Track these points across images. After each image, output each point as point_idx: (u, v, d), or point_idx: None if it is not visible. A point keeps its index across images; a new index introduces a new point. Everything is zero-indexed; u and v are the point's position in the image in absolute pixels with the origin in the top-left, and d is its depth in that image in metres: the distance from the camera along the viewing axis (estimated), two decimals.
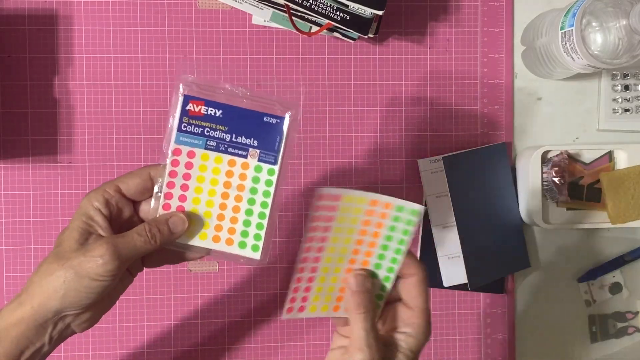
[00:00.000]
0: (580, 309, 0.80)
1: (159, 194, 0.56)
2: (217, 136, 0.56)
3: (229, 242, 0.57)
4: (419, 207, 0.53)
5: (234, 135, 0.56)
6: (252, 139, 0.57)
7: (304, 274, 0.55)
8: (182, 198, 0.57)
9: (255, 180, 0.57)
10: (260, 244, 0.58)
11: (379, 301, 0.56)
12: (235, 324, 0.76)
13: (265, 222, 0.57)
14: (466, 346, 0.79)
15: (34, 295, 0.52)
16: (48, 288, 0.52)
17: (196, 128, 0.56)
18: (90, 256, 0.51)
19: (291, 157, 0.71)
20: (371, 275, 0.55)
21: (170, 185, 0.56)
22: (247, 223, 0.57)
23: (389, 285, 0.55)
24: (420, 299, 0.54)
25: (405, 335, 0.54)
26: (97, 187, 0.55)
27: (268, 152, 0.57)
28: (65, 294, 0.51)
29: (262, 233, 0.57)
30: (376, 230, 0.54)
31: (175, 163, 0.56)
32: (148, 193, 0.56)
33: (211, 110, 0.56)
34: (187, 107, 0.56)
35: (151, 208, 0.56)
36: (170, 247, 0.56)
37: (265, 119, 0.56)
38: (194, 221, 0.57)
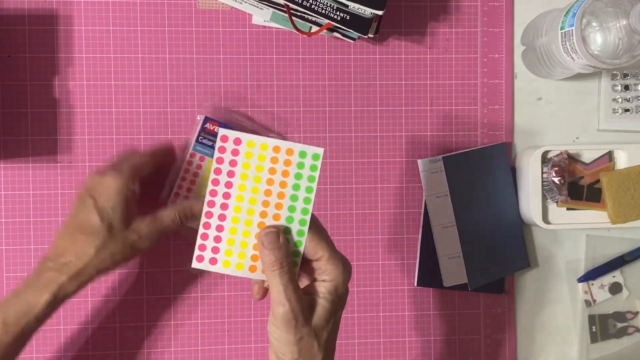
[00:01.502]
0: (580, 309, 0.80)
1: (170, 188, 0.72)
2: None
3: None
4: (320, 150, 0.55)
5: None
6: None
7: (212, 220, 0.56)
8: (189, 190, 0.72)
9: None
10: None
11: (296, 258, 0.56)
12: (235, 324, 0.76)
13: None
14: (466, 346, 0.79)
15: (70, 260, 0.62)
16: (96, 256, 0.63)
17: (209, 141, 0.73)
18: (139, 236, 0.64)
19: None
20: (285, 231, 0.55)
21: (183, 179, 0.72)
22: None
23: (303, 239, 0.56)
24: (323, 249, 0.55)
25: (324, 282, 0.56)
26: (118, 166, 0.65)
27: None
28: (108, 261, 0.63)
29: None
30: (283, 179, 0.55)
31: (189, 163, 0.72)
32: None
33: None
34: (205, 125, 0.73)
35: (162, 196, 0.72)
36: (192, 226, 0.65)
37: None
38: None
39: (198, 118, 0.74)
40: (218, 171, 0.55)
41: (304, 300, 0.55)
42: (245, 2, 0.74)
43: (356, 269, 0.78)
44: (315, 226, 0.57)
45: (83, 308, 0.74)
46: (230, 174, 0.55)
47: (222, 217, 0.56)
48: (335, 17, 0.69)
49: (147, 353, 0.75)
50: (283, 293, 0.53)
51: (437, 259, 0.78)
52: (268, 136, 0.56)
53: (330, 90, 0.77)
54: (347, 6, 0.68)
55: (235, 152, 0.55)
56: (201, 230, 0.56)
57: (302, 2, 0.68)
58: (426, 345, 0.79)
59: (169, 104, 0.75)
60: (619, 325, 0.81)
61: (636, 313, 0.81)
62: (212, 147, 0.73)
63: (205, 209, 0.55)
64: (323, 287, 0.56)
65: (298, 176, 0.55)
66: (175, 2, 0.75)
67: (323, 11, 0.68)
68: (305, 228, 0.56)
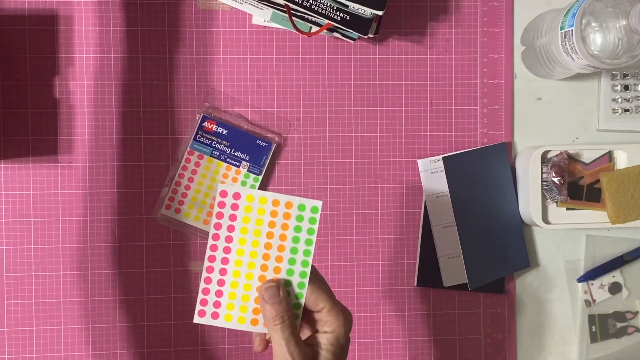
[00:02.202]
0: (580, 308, 0.80)
1: (168, 184, 0.74)
2: (220, 148, 0.75)
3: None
4: (318, 203, 0.56)
5: (233, 150, 0.75)
6: (245, 155, 0.75)
7: (213, 275, 0.56)
8: (187, 187, 0.75)
9: (243, 184, 0.75)
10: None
11: (297, 310, 0.56)
12: None
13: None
14: (466, 346, 0.79)
15: None
16: None
17: (207, 140, 0.75)
18: None
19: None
20: (285, 284, 0.56)
21: (181, 176, 0.74)
22: None
23: (304, 291, 0.56)
24: (323, 301, 0.55)
25: (325, 333, 0.55)
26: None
27: (255, 165, 0.76)
28: None
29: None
30: (282, 232, 0.56)
31: (187, 160, 0.74)
32: None
33: (220, 129, 0.75)
34: (203, 124, 0.74)
35: (161, 196, 0.75)
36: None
37: (257, 141, 0.75)
38: (192, 206, 0.74)
39: (197, 117, 0.74)
40: (218, 226, 0.55)
41: (307, 353, 0.54)
42: (245, 2, 0.74)
43: (356, 269, 0.78)
44: (316, 277, 0.57)
45: (83, 308, 0.74)
46: (230, 228, 0.55)
47: (223, 272, 0.56)
48: (335, 17, 0.69)
49: (147, 353, 0.75)
50: (285, 347, 0.54)
51: (437, 259, 0.78)
52: (266, 189, 0.57)
53: (330, 90, 0.77)
54: (347, 6, 0.68)
55: (234, 207, 0.55)
56: (202, 285, 0.56)
57: (302, 2, 0.68)
58: (426, 345, 0.79)
59: (169, 104, 0.75)
60: (619, 325, 0.81)
61: (636, 313, 0.81)
62: (210, 145, 0.75)
63: (206, 264, 0.56)
64: (325, 339, 0.55)
65: (297, 229, 0.56)
66: (175, 2, 0.75)
67: (323, 11, 0.68)
68: (306, 280, 0.56)
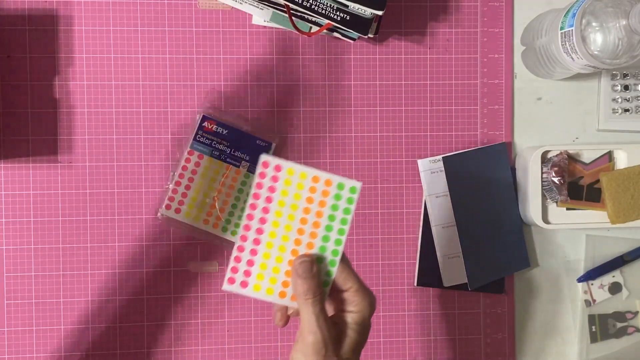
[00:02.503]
0: (580, 308, 0.80)
1: (169, 183, 0.74)
2: (220, 148, 0.75)
3: (215, 225, 0.75)
4: (358, 184, 0.55)
5: (233, 150, 0.75)
6: (245, 155, 0.75)
7: (247, 244, 0.56)
8: (187, 187, 0.74)
9: (243, 184, 0.75)
10: (238, 230, 0.63)
11: (326, 287, 0.56)
12: (235, 323, 0.76)
13: (245, 215, 0.64)
14: (466, 346, 0.79)
15: None
16: None
17: (207, 140, 0.75)
18: None
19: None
20: (317, 260, 0.56)
21: (181, 176, 0.74)
22: (231, 214, 0.75)
23: (334, 269, 0.56)
24: (351, 281, 0.56)
25: (352, 312, 0.56)
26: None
27: (255, 165, 0.67)
28: None
29: (242, 223, 0.63)
30: (319, 209, 0.56)
31: (187, 160, 0.74)
32: None
33: (220, 129, 0.75)
34: (203, 124, 0.74)
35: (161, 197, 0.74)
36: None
37: (257, 142, 0.75)
38: (192, 206, 0.74)
39: (197, 117, 0.74)
40: (257, 196, 0.55)
41: (333, 330, 0.55)
42: (245, 2, 0.74)
43: (356, 269, 0.77)
44: (346, 258, 0.58)
45: (83, 308, 0.74)
46: (268, 199, 0.55)
47: (256, 242, 0.56)
48: (335, 17, 0.69)
49: (147, 353, 0.75)
50: (315, 322, 0.54)
51: (437, 259, 0.78)
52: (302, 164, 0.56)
53: (330, 90, 0.77)
54: (347, 6, 0.68)
55: (274, 179, 0.55)
56: (235, 253, 0.56)
57: (302, 2, 0.68)
58: (426, 345, 0.79)
59: (169, 104, 0.75)
60: (619, 325, 0.81)
61: (636, 313, 0.81)
62: (210, 145, 0.75)
63: (241, 232, 0.56)
64: (350, 318, 0.56)
65: (334, 207, 0.56)
66: (175, 2, 0.75)
67: (323, 11, 0.68)
68: (338, 259, 0.56)
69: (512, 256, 0.78)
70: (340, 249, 0.56)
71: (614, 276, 0.81)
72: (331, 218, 0.56)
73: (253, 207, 0.55)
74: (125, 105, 0.75)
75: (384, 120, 0.78)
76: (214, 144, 0.75)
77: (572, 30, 0.67)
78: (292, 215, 0.56)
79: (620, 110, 0.79)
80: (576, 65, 0.70)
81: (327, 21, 0.70)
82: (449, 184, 0.76)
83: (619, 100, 0.79)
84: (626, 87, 0.79)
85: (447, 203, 0.77)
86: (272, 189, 0.55)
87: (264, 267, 0.56)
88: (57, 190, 0.74)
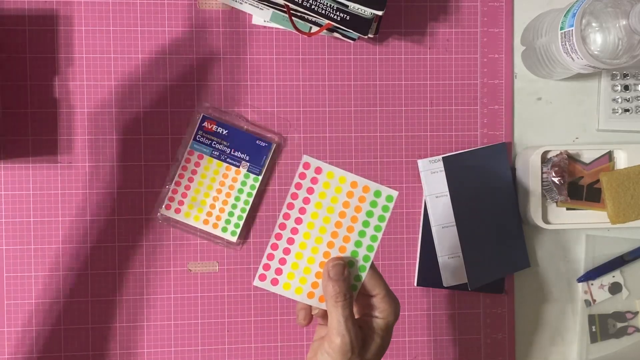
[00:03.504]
0: (580, 308, 0.80)
1: (169, 183, 0.74)
2: (220, 148, 0.75)
3: (215, 226, 0.75)
4: (394, 193, 0.57)
5: (233, 150, 0.75)
6: (245, 155, 0.75)
7: (281, 242, 0.57)
8: (187, 187, 0.75)
9: (243, 184, 0.75)
10: (238, 231, 0.75)
11: (354, 291, 0.57)
12: (235, 323, 0.76)
13: (245, 215, 0.75)
14: (466, 346, 0.79)
15: None
16: None
17: (207, 140, 0.75)
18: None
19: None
20: (348, 264, 0.57)
21: (181, 176, 0.75)
22: (231, 214, 0.75)
23: (364, 274, 0.57)
24: (379, 287, 0.57)
25: (377, 318, 0.57)
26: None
27: (255, 165, 0.76)
28: None
29: (241, 223, 0.75)
30: (355, 214, 0.57)
31: (187, 160, 0.75)
32: None
33: (220, 129, 0.75)
34: (203, 124, 0.74)
35: (161, 196, 0.75)
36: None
37: (257, 142, 0.75)
38: (192, 206, 0.74)
39: (197, 117, 0.74)
40: (295, 196, 0.56)
41: (359, 334, 0.56)
42: (245, 2, 0.74)
43: None
44: (374, 264, 0.58)
45: (83, 308, 0.74)
46: (306, 200, 0.57)
47: (290, 241, 0.57)
48: (335, 17, 0.69)
49: (147, 353, 0.75)
50: (344, 324, 0.55)
51: (437, 259, 0.78)
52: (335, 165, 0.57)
53: (330, 90, 0.77)
54: (347, 6, 0.68)
55: (314, 180, 0.56)
56: (268, 251, 0.57)
57: (302, 2, 0.68)
58: (426, 345, 0.79)
59: (169, 104, 0.75)
60: (619, 325, 0.81)
61: (636, 313, 0.81)
62: (210, 145, 0.75)
63: (276, 230, 0.57)
64: (376, 324, 0.57)
65: (369, 214, 0.57)
66: (175, 2, 0.75)
67: (323, 11, 0.68)
68: (368, 264, 0.57)
69: (512, 256, 0.78)
70: (372, 255, 0.57)
71: (614, 276, 0.81)
72: (365, 224, 0.57)
73: (290, 206, 0.56)
74: (125, 105, 0.75)
75: (384, 120, 0.78)
76: (214, 144, 0.75)
77: (572, 30, 0.67)
78: (328, 217, 0.57)
79: (620, 110, 0.79)
80: (576, 65, 0.70)
81: (327, 21, 0.70)
82: (449, 184, 0.76)
83: (619, 100, 0.79)
84: (626, 87, 0.79)
85: (447, 203, 0.77)
86: (310, 191, 0.56)
87: (295, 266, 0.57)
88: (57, 190, 0.74)
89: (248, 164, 0.75)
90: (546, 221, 0.77)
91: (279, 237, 0.57)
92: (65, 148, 0.74)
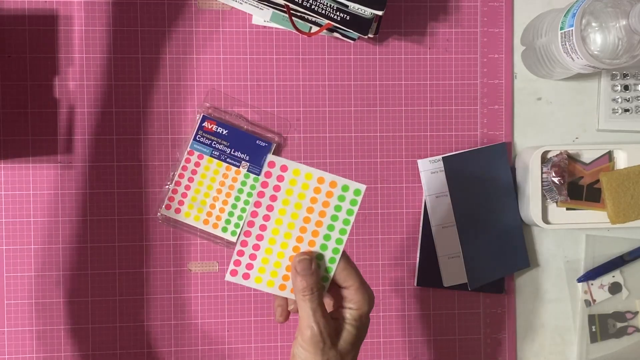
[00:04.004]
0: (580, 308, 0.80)
1: (169, 183, 0.75)
2: (220, 148, 0.75)
3: (215, 226, 0.75)
4: (362, 187, 0.58)
5: (233, 150, 0.75)
6: (245, 155, 0.75)
7: (250, 239, 0.58)
8: (187, 187, 0.75)
9: (243, 184, 0.75)
10: (238, 230, 0.75)
11: (325, 282, 0.58)
12: (235, 323, 0.76)
13: (245, 215, 0.73)
14: (466, 346, 0.79)
15: None
16: None
17: (207, 140, 0.75)
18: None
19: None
20: (317, 257, 0.58)
21: (181, 176, 0.75)
22: (231, 214, 0.75)
23: (333, 266, 0.58)
24: (352, 279, 0.58)
25: (351, 309, 0.58)
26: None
27: (255, 165, 0.76)
28: None
29: (242, 223, 0.75)
30: (323, 209, 0.58)
31: (187, 160, 0.75)
32: None
33: (220, 129, 0.75)
34: (203, 124, 0.74)
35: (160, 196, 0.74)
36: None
37: (257, 142, 0.75)
38: (192, 206, 0.75)
39: (197, 117, 0.74)
40: (261, 194, 0.58)
41: (331, 325, 0.57)
42: (245, 2, 0.74)
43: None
44: (347, 258, 0.59)
45: (83, 308, 0.74)
46: (273, 198, 0.58)
47: (259, 237, 0.58)
48: (335, 17, 0.69)
49: (147, 353, 0.75)
50: (312, 317, 0.56)
51: (437, 259, 0.78)
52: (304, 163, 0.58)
53: (330, 90, 0.77)
54: (347, 6, 0.68)
55: (280, 178, 0.57)
56: (238, 247, 0.58)
57: (302, 2, 0.68)
58: (426, 345, 0.79)
59: (169, 104, 0.75)
60: (619, 325, 0.81)
61: (636, 313, 0.81)
62: (210, 145, 0.75)
63: (245, 228, 0.58)
64: (349, 314, 0.58)
65: (337, 208, 0.58)
66: (175, 2, 0.75)
67: (323, 11, 0.68)
68: (338, 257, 0.58)
69: (512, 256, 0.78)
70: (341, 247, 0.58)
71: (614, 276, 0.81)
72: (334, 218, 0.58)
73: (257, 204, 0.57)
74: (125, 105, 0.75)
75: (384, 120, 0.78)
76: (214, 144, 0.75)
77: (572, 30, 0.67)
78: (296, 213, 0.58)
79: (620, 110, 0.79)
80: (576, 65, 0.70)
81: (327, 21, 0.70)
82: (449, 184, 0.76)
83: (619, 100, 0.79)
84: (626, 87, 0.79)
85: (447, 203, 0.77)
86: (277, 188, 0.58)
87: (265, 261, 0.59)
88: (57, 190, 0.74)
89: (248, 164, 0.75)
90: (546, 221, 0.77)
91: (247, 234, 0.58)
92: (65, 148, 0.74)
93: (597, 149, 0.79)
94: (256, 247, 0.58)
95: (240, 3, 0.74)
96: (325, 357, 0.56)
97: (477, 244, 0.76)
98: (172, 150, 0.75)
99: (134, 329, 0.75)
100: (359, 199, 0.58)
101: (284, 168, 0.57)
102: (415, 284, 0.78)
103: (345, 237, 0.58)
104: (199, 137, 0.75)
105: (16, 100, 0.74)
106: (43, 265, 0.74)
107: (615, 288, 0.81)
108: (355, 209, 0.58)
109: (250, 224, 0.58)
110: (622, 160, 0.78)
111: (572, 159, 0.78)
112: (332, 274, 0.58)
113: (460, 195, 0.76)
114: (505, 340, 0.79)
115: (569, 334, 0.81)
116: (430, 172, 0.78)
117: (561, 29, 0.69)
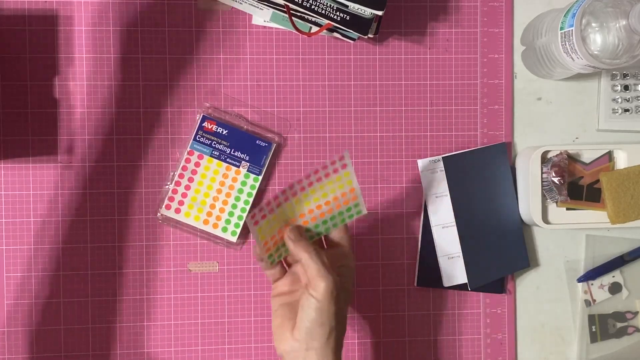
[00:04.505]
0: (580, 308, 0.80)
1: (169, 183, 0.75)
2: (220, 148, 0.75)
3: (215, 226, 0.75)
4: (365, 211, 0.67)
5: (233, 150, 0.76)
6: (245, 155, 0.75)
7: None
8: (187, 187, 0.75)
9: (243, 184, 0.75)
10: (238, 230, 0.76)
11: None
12: (235, 323, 0.76)
13: (245, 215, 0.76)
14: (466, 346, 0.79)
15: None
16: None
17: (207, 140, 0.75)
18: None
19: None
20: (306, 230, 0.67)
21: (181, 176, 0.75)
22: (231, 214, 0.75)
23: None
24: (346, 245, 0.68)
25: (343, 267, 0.67)
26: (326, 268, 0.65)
27: (255, 165, 0.76)
28: None
29: (242, 223, 0.75)
30: (335, 208, 0.66)
31: (187, 160, 0.75)
32: None
33: (220, 129, 0.75)
34: (203, 124, 0.74)
35: (160, 196, 0.76)
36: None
37: (257, 141, 0.75)
38: (192, 206, 0.75)
39: (197, 117, 0.74)
40: (308, 176, 0.64)
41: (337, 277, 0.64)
42: (245, 2, 0.74)
43: (356, 269, 0.78)
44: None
45: (83, 308, 0.74)
46: (310, 184, 0.64)
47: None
48: (335, 17, 0.69)
49: (147, 353, 0.75)
50: (323, 269, 0.62)
51: (437, 259, 0.78)
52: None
53: (330, 90, 0.77)
54: (347, 6, 0.68)
55: (334, 171, 0.64)
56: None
57: (302, 2, 0.68)
58: (426, 345, 0.79)
59: (169, 104, 0.75)
60: (619, 325, 0.81)
61: (636, 313, 0.81)
62: (210, 145, 0.75)
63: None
64: (344, 271, 0.67)
65: (341, 213, 0.67)
66: (175, 2, 0.75)
67: (323, 11, 0.68)
68: (322, 235, 0.69)
69: (512, 256, 0.78)
70: (326, 233, 0.68)
71: (614, 276, 0.81)
72: (337, 216, 0.67)
73: (300, 181, 0.64)
74: (125, 105, 0.75)
75: (384, 120, 0.78)
76: (214, 144, 0.75)
77: (572, 30, 0.67)
78: (317, 198, 0.65)
79: (620, 110, 0.79)
80: (576, 65, 0.70)
81: (327, 21, 0.70)
82: (449, 184, 0.76)
83: (619, 100, 0.79)
84: (626, 87, 0.79)
85: (447, 203, 0.77)
86: (326, 175, 0.64)
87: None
88: (57, 190, 0.74)
89: (248, 164, 0.75)
90: (546, 221, 0.77)
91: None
92: (65, 148, 0.74)
93: (597, 149, 0.79)
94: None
95: (240, 3, 0.74)
96: (338, 305, 0.63)
97: (477, 244, 0.76)
98: (172, 150, 0.75)
99: (134, 328, 0.75)
100: (358, 216, 0.67)
101: (343, 166, 0.64)
102: (415, 284, 0.78)
103: (332, 229, 0.68)
104: (199, 137, 0.75)
105: (16, 100, 0.74)
106: (43, 265, 0.74)
107: (615, 288, 0.81)
108: (351, 220, 0.68)
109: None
110: (622, 160, 0.78)
111: (572, 159, 0.78)
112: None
113: (460, 195, 0.76)
114: (505, 340, 0.79)
115: (569, 334, 0.81)
116: (430, 172, 0.78)
117: (561, 29, 0.69)
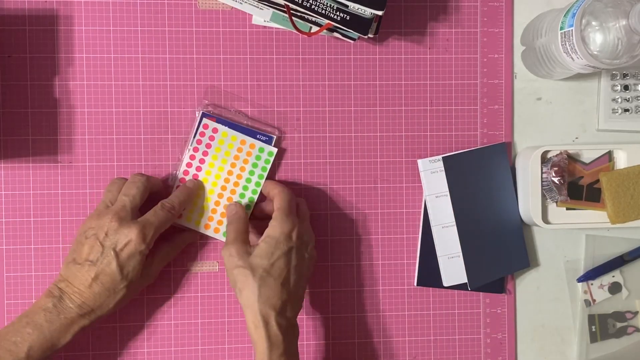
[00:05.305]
0: (579, 308, 0.80)
1: (177, 172, 0.75)
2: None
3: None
4: (274, 149, 0.74)
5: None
6: None
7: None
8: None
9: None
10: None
11: (248, 210, 0.75)
12: (235, 323, 0.76)
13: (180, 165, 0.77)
14: (466, 346, 0.79)
15: None
16: None
17: (209, 138, 0.75)
18: (152, 277, 0.73)
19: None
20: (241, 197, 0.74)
21: (185, 173, 0.75)
22: None
23: (250, 210, 0.75)
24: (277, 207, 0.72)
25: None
26: (123, 210, 0.69)
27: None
28: (123, 304, 0.71)
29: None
30: (243, 165, 0.74)
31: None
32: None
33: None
34: (203, 122, 0.74)
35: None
36: (176, 224, 0.74)
37: (257, 136, 0.75)
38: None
39: (197, 115, 0.74)
40: (196, 150, 0.73)
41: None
42: (245, 2, 0.74)
43: (356, 269, 0.78)
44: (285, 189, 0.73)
45: None
46: (205, 154, 0.74)
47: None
48: (335, 17, 0.69)
49: (147, 353, 0.75)
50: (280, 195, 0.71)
51: (437, 259, 0.78)
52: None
53: (330, 90, 0.77)
54: (347, 6, 0.68)
55: (211, 138, 0.73)
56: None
57: (302, 2, 0.68)
58: (426, 345, 0.79)
59: (169, 104, 0.75)
60: (619, 325, 0.81)
61: (635, 313, 0.81)
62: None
63: (180, 176, 0.74)
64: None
65: (254, 166, 0.74)
66: (175, 2, 0.75)
67: (323, 11, 0.68)
68: (253, 203, 0.75)
69: (512, 256, 0.78)
70: (256, 197, 0.74)
71: (613, 276, 0.81)
72: (251, 173, 0.74)
73: (192, 157, 0.73)
74: (125, 105, 0.75)
75: (384, 120, 0.78)
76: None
77: (572, 30, 0.67)
78: (222, 167, 0.74)
79: (620, 110, 0.79)
80: (576, 65, 0.70)
81: (327, 21, 0.70)
82: (449, 184, 0.76)
83: (619, 100, 0.79)
84: (626, 87, 0.79)
85: (447, 203, 0.77)
86: (208, 146, 0.73)
87: (195, 204, 0.74)
88: (57, 190, 0.74)
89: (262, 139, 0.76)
90: (546, 221, 0.77)
91: (183, 181, 0.74)
92: (65, 148, 0.74)
93: (597, 149, 0.79)
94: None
95: (240, 3, 0.74)
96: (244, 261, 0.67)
97: (477, 244, 0.76)
98: (172, 150, 0.75)
99: (133, 328, 0.75)
100: (271, 159, 0.74)
101: (215, 130, 0.72)
102: (415, 284, 0.78)
103: (259, 189, 0.74)
104: (199, 137, 0.75)
105: (16, 100, 0.74)
106: (43, 265, 0.74)
107: (615, 288, 0.81)
108: (268, 167, 0.74)
109: (185, 173, 0.74)
110: (622, 160, 0.78)
111: (572, 158, 0.78)
112: (252, 207, 0.75)
113: (460, 195, 0.76)
114: (505, 340, 0.79)
115: (569, 334, 0.81)
116: (430, 172, 0.78)
117: (561, 29, 0.69)
